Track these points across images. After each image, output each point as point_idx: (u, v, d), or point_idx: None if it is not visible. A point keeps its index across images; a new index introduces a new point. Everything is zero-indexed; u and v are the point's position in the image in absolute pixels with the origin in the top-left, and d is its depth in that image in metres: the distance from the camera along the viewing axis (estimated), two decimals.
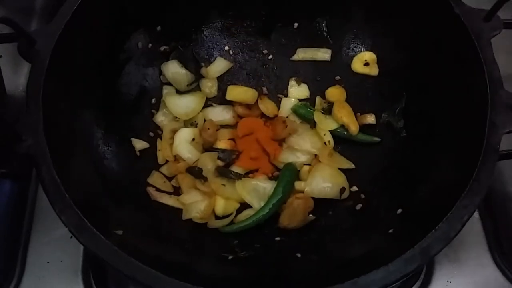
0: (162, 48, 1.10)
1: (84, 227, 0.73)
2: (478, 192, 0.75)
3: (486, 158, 0.77)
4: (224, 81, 1.13)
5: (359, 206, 0.97)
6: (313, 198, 0.98)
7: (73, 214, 0.73)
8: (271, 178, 1.02)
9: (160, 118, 1.08)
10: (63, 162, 0.79)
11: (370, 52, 1.10)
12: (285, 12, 1.12)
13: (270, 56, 1.15)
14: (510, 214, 1.03)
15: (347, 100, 1.09)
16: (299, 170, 1.02)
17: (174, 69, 1.09)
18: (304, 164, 1.03)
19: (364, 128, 1.05)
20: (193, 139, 1.04)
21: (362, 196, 0.99)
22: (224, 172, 1.00)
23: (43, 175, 0.76)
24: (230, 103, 1.09)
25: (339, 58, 1.13)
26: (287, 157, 1.03)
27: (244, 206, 0.99)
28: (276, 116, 1.09)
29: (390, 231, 0.85)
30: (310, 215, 0.96)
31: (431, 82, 0.97)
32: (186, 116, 1.07)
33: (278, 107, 1.10)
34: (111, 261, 0.71)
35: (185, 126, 1.07)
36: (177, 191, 1.01)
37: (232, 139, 1.07)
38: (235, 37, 1.15)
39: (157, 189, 1.00)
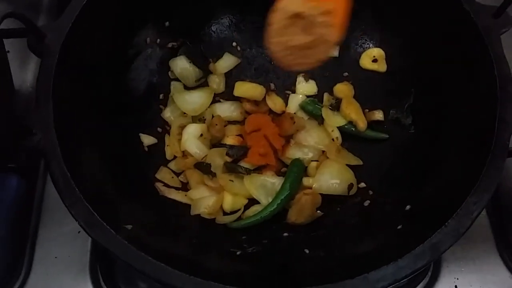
0: (170, 44, 1.10)
1: (94, 221, 0.73)
2: (487, 188, 0.75)
3: (495, 155, 0.77)
4: (232, 77, 1.13)
5: (367, 203, 0.97)
6: (321, 194, 0.97)
7: (83, 208, 0.74)
8: (279, 174, 1.02)
9: (168, 113, 1.08)
10: (73, 156, 0.79)
11: (379, 49, 1.10)
12: None
13: None
14: None
15: (355, 97, 1.09)
16: (306, 167, 1.02)
17: (182, 65, 1.09)
18: (312, 161, 1.03)
19: (372, 124, 1.05)
20: (201, 135, 1.04)
21: (370, 192, 0.99)
22: (232, 167, 1.00)
23: (53, 169, 0.76)
24: (238, 99, 1.09)
25: (347, 54, 1.12)
26: (294, 153, 1.04)
27: (252, 202, 1.00)
28: (283, 112, 1.09)
29: (399, 227, 0.84)
30: (318, 211, 0.96)
31: (440, 79, 0.97)
32: (194, 111, 1.07)
33: (286, 104, 1.10)
34: (121, 255, 0.72)
35: (193, 121, 1.07)
36: (185, 187, 1.01)
37: (240, 135, 1.07)
38: (243, 33, 1.15)
39: (166, 185, 1.00)
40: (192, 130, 1.04)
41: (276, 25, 0.76)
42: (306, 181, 1.00)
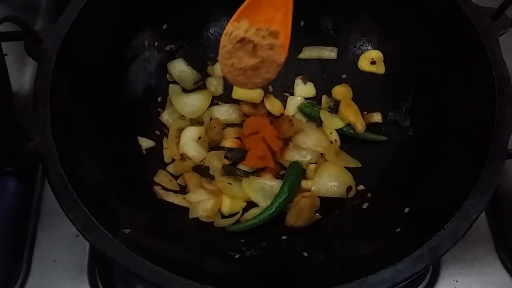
0: (168, 47, 1.10)
1: (91, 225, 0.73)
2: (486, 191, 0.75)
3: (494, 157, 0.77)
4: None
5: (365, 205, 0.97)
6: (319, 197, 0.97)
7: (80, 213, 0.73)
8: (277, 177, 1.02)
9: (166, 116, 1.08)
10: (71, 160, 0.79)
11: (377, 51, 1.10)
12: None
13: None
14: None
15: (353, 99, 1.09)
16: (305, 169, 1.02)
17: (180, 68, 1.09)
18: (311, 163, 1.03)
19: (370, 126, 1.05)
20: (199, 138, 1.03)
21: (369, 195, 0.99)
22: (231, 170, 1.00)
23: (51, 173, 0.76)
24: (236, 102, 1.09)
25: (346, 56, 1.13)
26: (293, 155, 1.03)
27: (251, 205, 0.99)
28: (282, 114, 1.09)
29: (398, 230, 0.84)
30: (317, 214, 0.96)
31: (438, 81, 0.97)
32: (192, 114, 1.07)
33: (284, 106, 1.10)
34: (119, 259, 0.71)
35: (191, 124, 1.07)
36: (183, 190, 1.01)
37: (238, 138, 1.07)
38: None
39: (164, 188, 1.00)
40: (190, 133, 1.04)
41: (225, 49, 0.83)
42: (304, 183, 1.00)
